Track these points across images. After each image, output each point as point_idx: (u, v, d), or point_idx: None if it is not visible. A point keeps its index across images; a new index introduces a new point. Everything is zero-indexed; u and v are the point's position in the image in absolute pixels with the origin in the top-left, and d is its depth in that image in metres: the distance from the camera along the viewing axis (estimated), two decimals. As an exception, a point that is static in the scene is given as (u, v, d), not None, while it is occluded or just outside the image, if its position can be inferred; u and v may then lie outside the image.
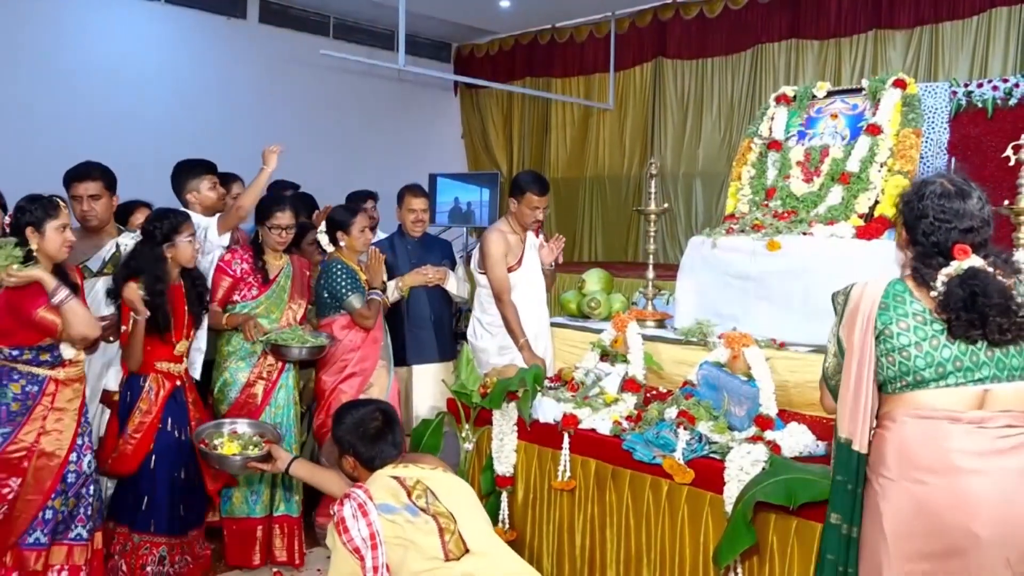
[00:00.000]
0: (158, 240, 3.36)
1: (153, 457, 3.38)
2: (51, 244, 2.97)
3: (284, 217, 3.79)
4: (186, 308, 3.48)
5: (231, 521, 3.74)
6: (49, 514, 3.01)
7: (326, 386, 3.93)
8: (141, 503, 3.38)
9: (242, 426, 3.48)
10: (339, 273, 3.87)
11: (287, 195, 4.10)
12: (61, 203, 3.04)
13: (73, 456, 3.07)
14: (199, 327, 3.62)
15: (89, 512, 3.14)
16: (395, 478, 2.59)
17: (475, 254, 4.22)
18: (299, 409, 3.97)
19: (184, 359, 3.52)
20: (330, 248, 4.03)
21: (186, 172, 4.00)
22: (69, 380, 3.07)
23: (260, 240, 3.83)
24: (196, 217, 3.75)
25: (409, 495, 2.54)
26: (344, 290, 3.85)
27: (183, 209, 3.64)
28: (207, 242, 3.78)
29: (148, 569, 3.36)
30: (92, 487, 3.16)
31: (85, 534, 3.12)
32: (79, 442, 3.10)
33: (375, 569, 2.43)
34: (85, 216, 3.70)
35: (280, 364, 3.79)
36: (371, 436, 2.74)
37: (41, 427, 2.99)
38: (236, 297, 3.78)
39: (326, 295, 3.90)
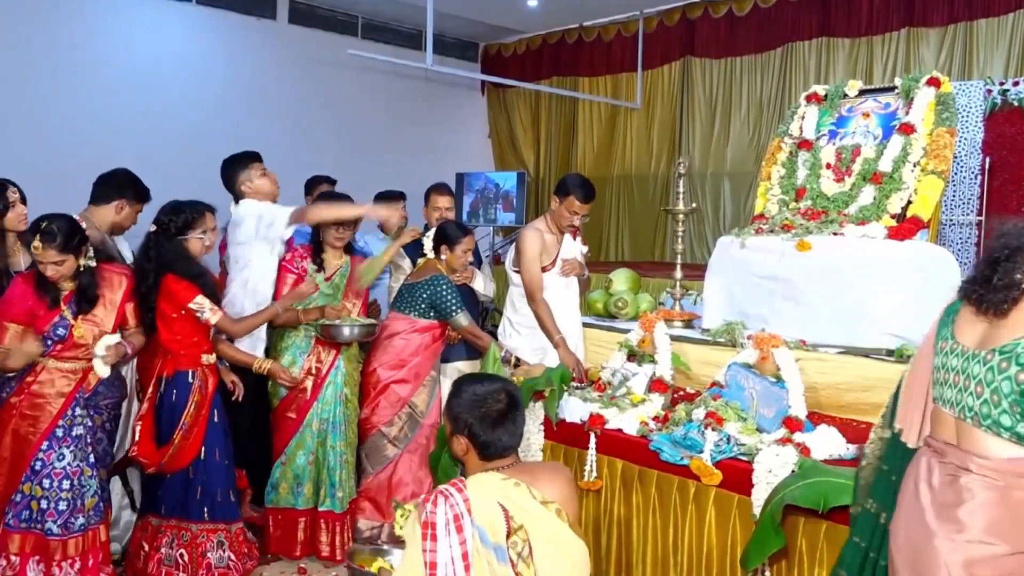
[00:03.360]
0: (172, 233, 3.42)
1: (203, 448, 3.43)
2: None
3: None
4: None
5: (276, 511, 3.82)
6: (19, 497, 3.08)
7: (380, 379, 3.92)
8: (195, 493, 3.42)
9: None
10: (447, 289, 3.92)
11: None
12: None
13: (44, 444, 3.10)
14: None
15: (61, 508, 3.11)
16: (503, 508, 2.19)
17: (511, 252, 4.21)
18: (353, 407, 3.92)
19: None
20: (431, 254, 4.06)
21: (234, 165, 4.00)
22: (59, 370, 3.13)
23: (320, 239, 3.89)
24: (250, 204, 3.83)
25: (508, 535, 2.15)
26: (453, 307, 3.89)
27: (203, 203, 3.64)
28: (270, 229, 3.77)
29: (209, 556, 3.41)
30: (67, 483, 3.12)
31: (56, 529, 3.10)
32: (57, 434, 3.12)
33: None
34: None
35: (330, 360, 3.83)
36: (493, 419, 2.33)
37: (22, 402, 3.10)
38: None
39: (425, 305, 3.93)
